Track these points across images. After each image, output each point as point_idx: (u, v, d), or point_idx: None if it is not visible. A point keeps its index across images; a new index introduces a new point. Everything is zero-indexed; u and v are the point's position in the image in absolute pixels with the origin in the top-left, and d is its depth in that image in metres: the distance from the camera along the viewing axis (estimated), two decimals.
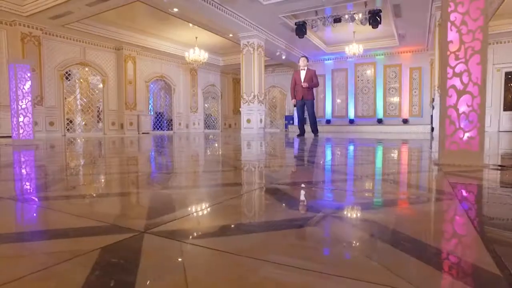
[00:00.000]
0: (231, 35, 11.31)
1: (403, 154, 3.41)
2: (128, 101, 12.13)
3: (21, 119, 4.57)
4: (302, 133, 7.77)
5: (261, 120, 11.12)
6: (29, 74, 4.60)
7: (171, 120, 14.74)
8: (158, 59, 13.52)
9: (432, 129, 11.09)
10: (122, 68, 11.99)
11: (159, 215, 0.92)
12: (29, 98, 4.62)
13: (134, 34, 11.78)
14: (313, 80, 7.52)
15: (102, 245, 0.67)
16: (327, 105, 15.06)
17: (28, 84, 4.59)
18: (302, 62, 7.60)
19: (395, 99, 13.59)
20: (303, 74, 7.56)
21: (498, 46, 11.51)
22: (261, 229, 0.82)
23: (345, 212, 0.99)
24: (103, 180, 1.70)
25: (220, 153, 3.50)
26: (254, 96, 10.86)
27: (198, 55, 12.27)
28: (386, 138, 6.57)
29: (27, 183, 1.59)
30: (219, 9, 8.67)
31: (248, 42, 10.76)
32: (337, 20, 9.49)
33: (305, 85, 7.41)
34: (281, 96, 17.44)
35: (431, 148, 3.85)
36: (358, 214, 0.98)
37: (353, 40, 11.84)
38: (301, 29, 9.99)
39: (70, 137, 9.16)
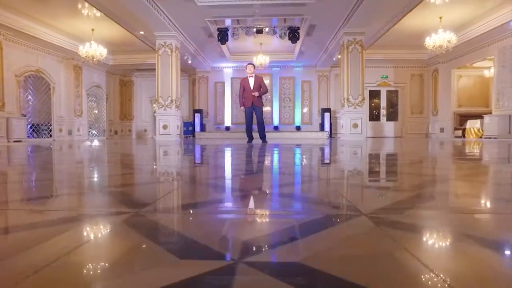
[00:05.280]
0: (142, 32, 10.23)
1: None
2: None
3: None
4: (250, 139, 7.78)
5: (178, 126, 10.45)
6: None
7: (40, 125, 11.95)
8: (34, 49, 10.81)
9: (330, 134, 12.96)
10: None
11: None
12: None
13: (1, 12, 9.09)
14: (261, 87, 7.66)
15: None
16: (226, 112, 15.35)
17: None
18: (249, 69, 7.63)
19: (289, 108, 15.12)
20: (251, 81, 7.60)
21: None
22: None
23: None
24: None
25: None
26: (172, 100, 10.13)
27: (95, 50, 10.52)
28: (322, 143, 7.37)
29: None
30: (149, 3, 7.79)
31: (165, 43, 9.98)
32: (259, 31, 9.95)
33: (256, 94, 7.48)
34: None
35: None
36: None
37: (260, 51, 12.58)
38: (223, 36, 9.99)
39: None
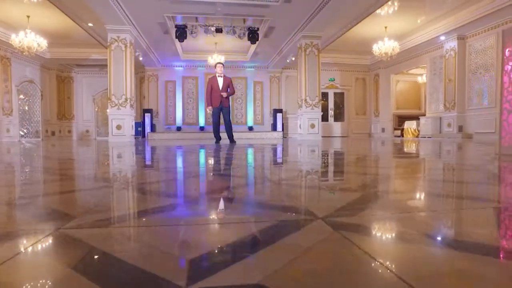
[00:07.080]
0: (90, 24, 9.43)
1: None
2: None
3: None
4: (218, 140, 7.62)
5: (132, 126, 9.83)
6: None
7: None
8: None
9: (283, 135, 13.27)
10: None
11: None
12: None
13: None
14: (229, 88, 7.54)
15: None
16: (177, 112, 14.83)
17: None
18: (219, 69, 7.45)
19: (241, 109, 15.16)
20: (220, 81, 7.44)
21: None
22: None
23: None
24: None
25: None
26: (126, 99, 9.49)
27: (33, 40, 9.39)
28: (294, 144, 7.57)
29: None
30: None
31: (118, 37, 9.29)
32: (219, 30, 9.81)
33: (224, 95, 7.35)
34: None
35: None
36: None
37: (215, 50, 12.40)
38: (182, 33, 9.64)
39: None
